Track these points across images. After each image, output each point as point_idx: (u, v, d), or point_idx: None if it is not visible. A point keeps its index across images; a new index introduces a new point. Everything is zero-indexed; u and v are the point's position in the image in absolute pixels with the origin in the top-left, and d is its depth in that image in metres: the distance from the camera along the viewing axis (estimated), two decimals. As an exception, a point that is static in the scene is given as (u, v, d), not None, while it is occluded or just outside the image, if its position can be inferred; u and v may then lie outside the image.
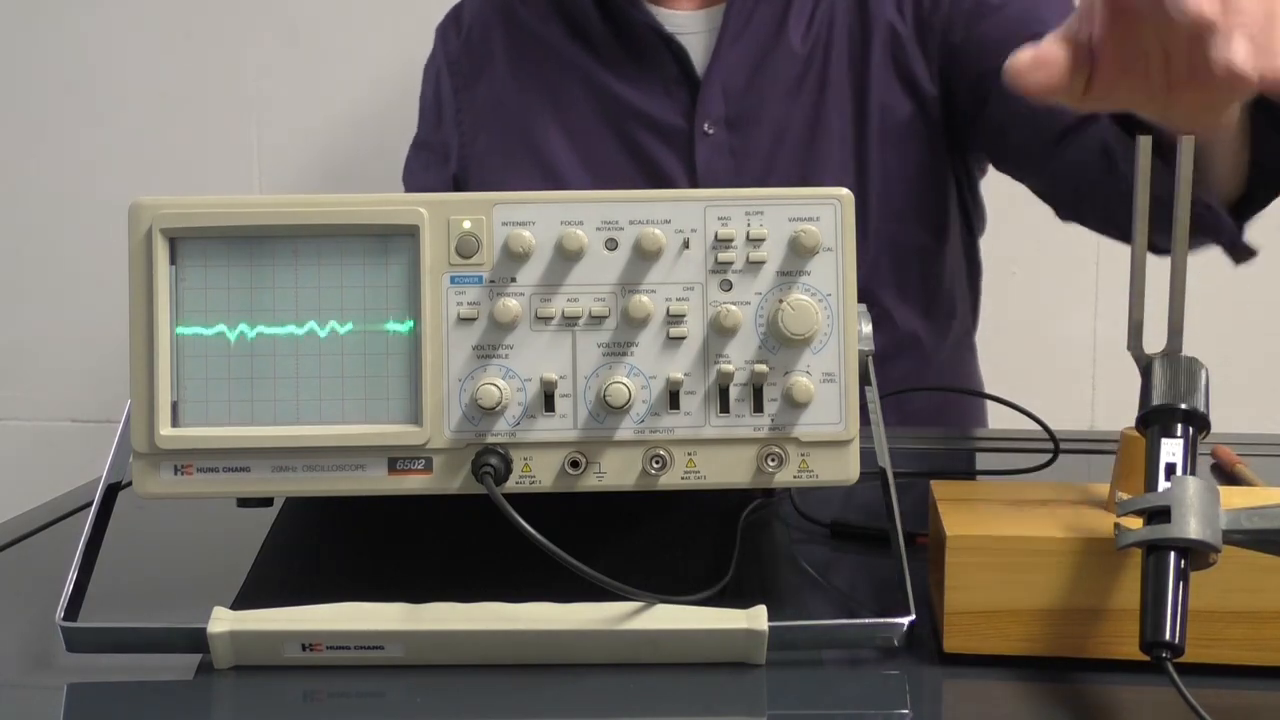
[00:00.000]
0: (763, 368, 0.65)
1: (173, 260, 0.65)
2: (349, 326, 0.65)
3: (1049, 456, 0.98)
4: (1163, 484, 0.59)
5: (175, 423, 0.65)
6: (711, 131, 1.32)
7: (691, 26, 1.34)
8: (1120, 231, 1.25)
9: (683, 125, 1.32)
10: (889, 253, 1.32)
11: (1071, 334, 1.77)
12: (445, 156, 1.45)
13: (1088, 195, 1.22)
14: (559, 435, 0.65)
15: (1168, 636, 0.55)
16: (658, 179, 1.33)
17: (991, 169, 1.40)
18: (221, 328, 0.65)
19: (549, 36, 1.39)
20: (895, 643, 0.63)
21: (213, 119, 1.89)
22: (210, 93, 1.89)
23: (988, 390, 1.43)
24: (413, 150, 1.51)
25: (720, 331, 0.65)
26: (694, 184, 1.31)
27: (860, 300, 0.67)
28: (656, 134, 1.33)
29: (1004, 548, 0.62)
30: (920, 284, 1.35)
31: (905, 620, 0.63)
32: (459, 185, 1.44)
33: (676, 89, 1.33)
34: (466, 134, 1.43)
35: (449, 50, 1.46)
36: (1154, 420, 0.62)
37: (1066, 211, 1.29)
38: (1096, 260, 1.76)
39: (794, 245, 0.65)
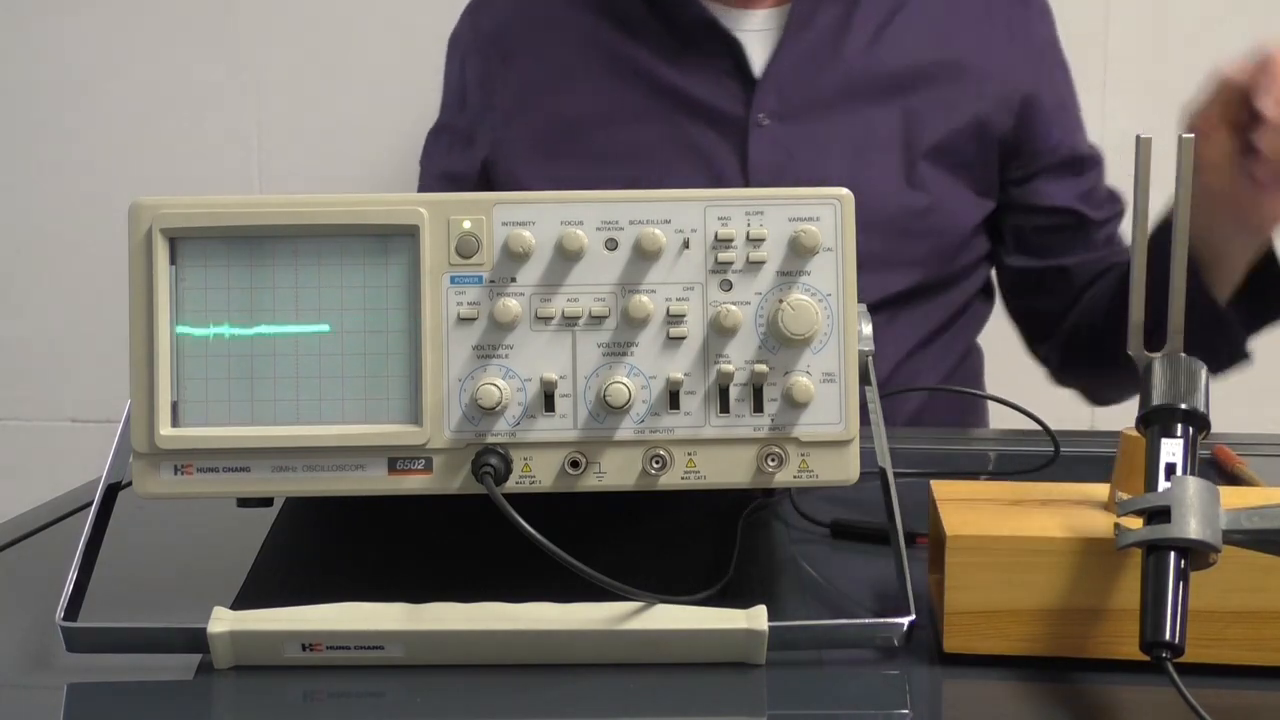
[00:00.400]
0: (763, 368, 0.65)
1: (173, 260, 0.65)
2: (349, 326, 0.65)
3: (1049, 456, 0.98)
4: (1163, 484, 0.59)
5: (175, 423, 0.65)
6: (767, 123, 1.33)
7: (746, 24, 1.35)
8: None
9: (739, 114, 1.33)
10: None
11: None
12: (470, 140, 1.43)
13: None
14: (559, 435, 0.65)
15: (1168, 636, 0.55)
16: (707, 168, 1.33)
17: None
18: (222, 328, 0.65)
19: (589, 25, 1.38)
20: (895, 643, 0.63)
21: (213, 119, 1.89)
22: (210, 93, 1.88)
23: (988, 390, 1.43)
24: (432, 134, 1.49)
25: (720, 331, 0.65)
26: (745, 176, 1.32)
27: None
28: (709, 122, 1.33)
29: (1004, 548, 0.62)
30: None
31: (905, 620, 0.63)
32: (489, 172, 1.41)
33: (729, 80, 1.34)
34: (498, 121, 1.40)
35: (480, 32, 1.44)
36: (1154, 420, 0.62)
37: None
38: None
39: (794, 245, 0.65)
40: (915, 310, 1.36)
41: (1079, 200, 1.40)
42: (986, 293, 1.45)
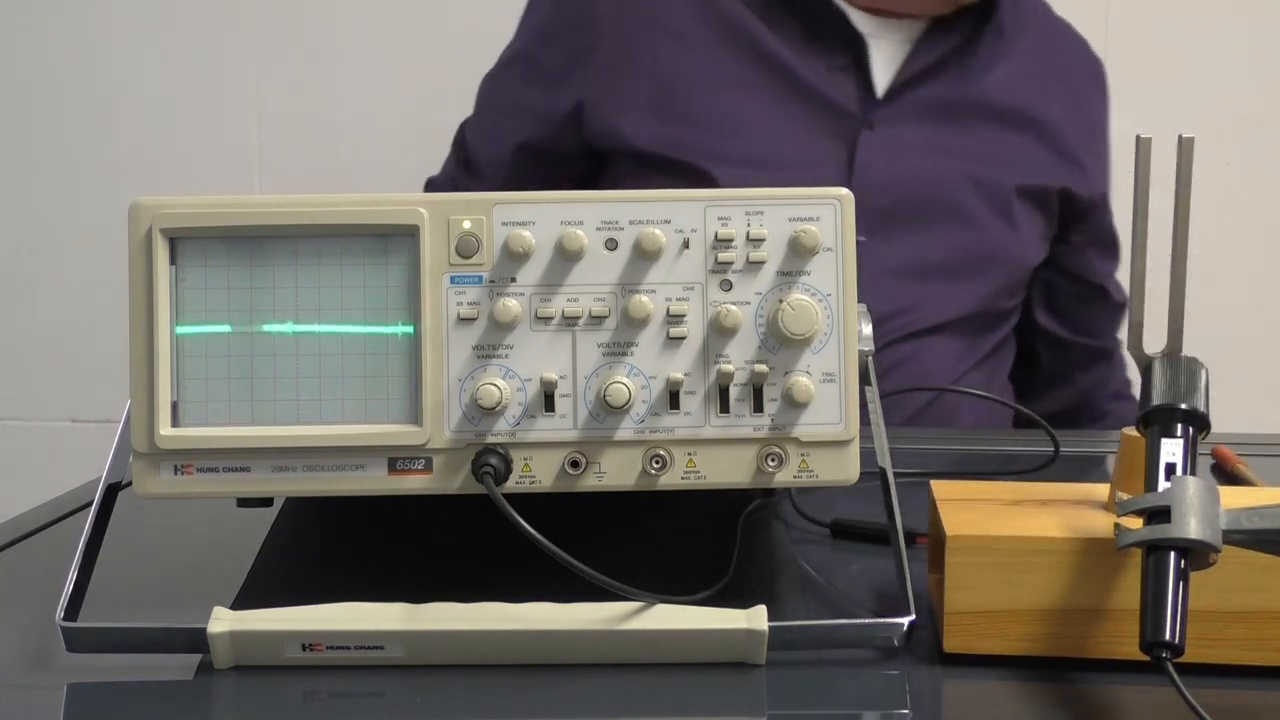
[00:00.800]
0: (763, 368, 0.65)
1: (173, 260, 0.65)
2: (349, 326, 0.65)
3: (1049, 456, 0.98)
4: (1163, 484, 0.59)
5: (175, 423, 0.65)
6: (879, 128, 1.35)
7: (875, 29, 1.38)
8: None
9: (851, 113, 1.36)
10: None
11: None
12: (559, 80, 1.40)
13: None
14: (559, 435, 0.65)
15: (1168, 636, 0.55)
16: (814, 163, 1.35)
17: None
18: (221, 328, 0.65)
19: (727, 3, 1.38)
20: (895, 643, 0.63)
21: (213, 119, 1.89)
22: (210, 93, 1.89)
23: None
24: (504, 64, 1.46)
25: (720, 331, 0.65)
26: (849, 174, 1.34)
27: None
28: (820, 116, 1.35)
29: (1004, 548, 0.62)
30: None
31: (905, 620, 0.63)
32: (580, 119, 1.38)
33: (847, 79, 1.37)
34: (598, 67, 1.38)
35: None
36: (1154, 420, 0.62)
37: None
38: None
39: (794, 245, 0.65)
40: (974, 334, 1.40)
41: (1115, 285, 1.47)
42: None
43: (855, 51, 1.37)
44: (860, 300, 0.67)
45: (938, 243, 1.37)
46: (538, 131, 1.43)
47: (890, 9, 1.38)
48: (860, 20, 1.38)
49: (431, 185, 1.54)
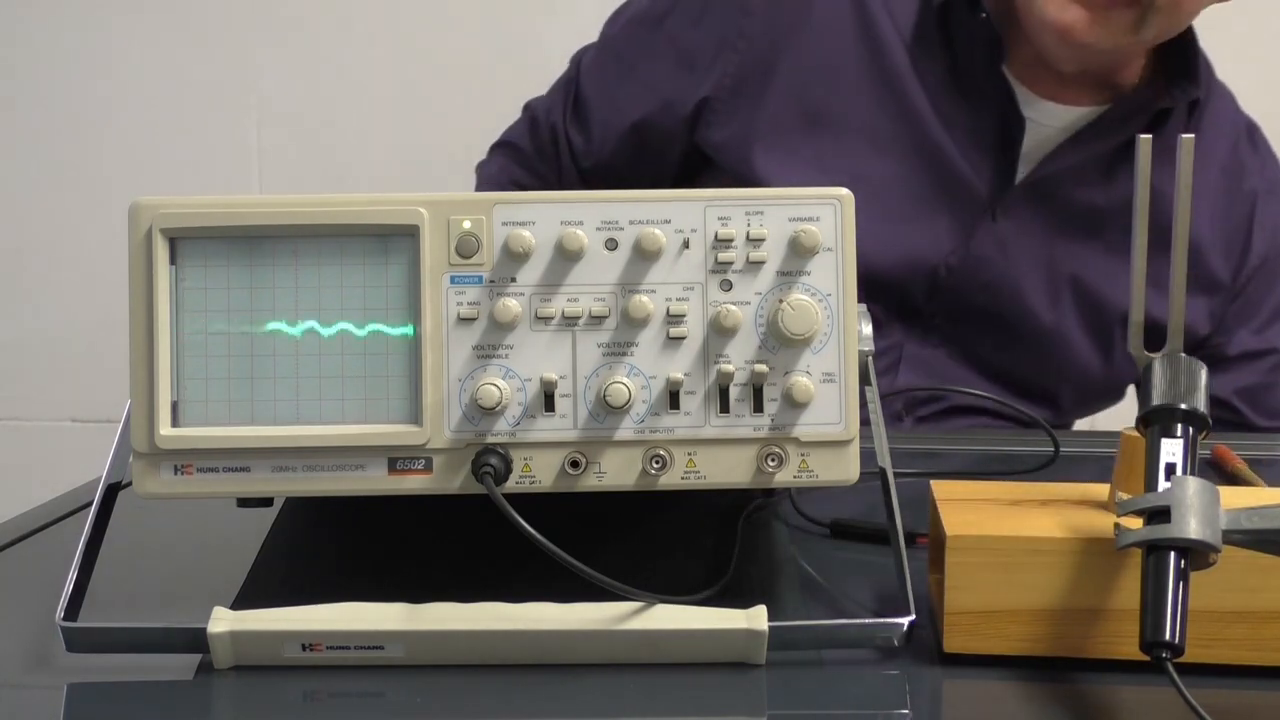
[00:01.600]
0: (763, 368, 0.65)
1: (173, 260, 0.65)
2: (349, 327, 0.65)
3: (1049, 456, 0.98)
4: (1163, 484, 0.59)
5: (175, 423, 0.65)
6: (999, 222, 1.26)
7: (1038, 112, 1.26)
8: None
9: (982, 194, 1.26)
10: None
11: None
12: (693, 68, 1.28)
13: None
14: (559, 435, 0.65)
15: (1168, 636, 0.55)
16: (921, 231, 1.25)
17: None
18: (221, 328, 0.65)
19: (886, 39, 1.26)
20: (895, 643, 0.63)
21: (213, 119, 1.89)
22: (210, 93, 1.89)
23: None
24: (645, 19, 1.32)
25: (720, 331, 0.65)
26: (959, 257, 1.26)
27: None
28: (950, 188, 1.25)
29: (1004, 548, 0.62)
30: None
31: (905, 620, 0.63)
32: (698, 122, 1.27)
33: (985, 158, 1.26)
34: (738, 80, 1.27)
35: None
36: (1154, 420, 0.62)
37: None
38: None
39: (794, 245, 0.65)
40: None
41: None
42: None
43: (1008, 132, 1.25)
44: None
45: (1020, 359, 1.29)
46: (659, 116, 1.31)
47: (1064, 99, 1.25)
48: (1027, 102, 1.24)
49: (529, 110, 1.43)
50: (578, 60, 1.41)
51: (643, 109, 1.33)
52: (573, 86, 1.40)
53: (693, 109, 1.29)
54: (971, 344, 1.29)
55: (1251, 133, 1.37)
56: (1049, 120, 1.26)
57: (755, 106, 1.27)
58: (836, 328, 0.65)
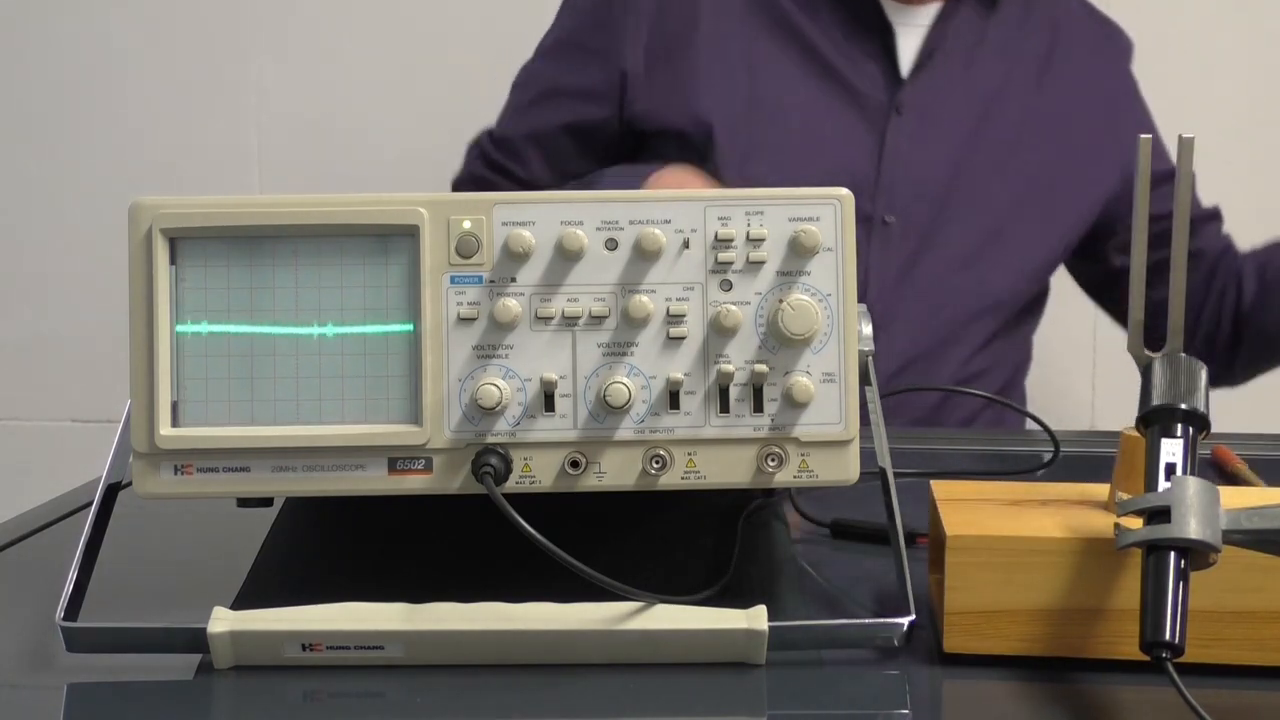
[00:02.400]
0: (763, 368, 0.65)
1: (173, 260, 0.65)
2: (349, 327, 0.65)
3: (1049, 456, 0.98)
4: (1163, 484, 0.59)
5: (175, 423, 0.65)
6: (905, 114, 1.40)
7: (904, 18, 1.42)
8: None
9: (880, 100, 1.40)
10: None
11: (1071, 334, 1.77)
12: (605, 60, 1.43)
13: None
14: (559, 435, 0.65)
15: (1168, 636, 0.55)
16: (843, 147, 1.39)
17: None
18: (221, 328, 0.65)
19: None
20: (895, 643, 0.63)
21: (213, 119, 1.89)
22: (210, 93, 1.89)
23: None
24: (548, 56, 1.49)
25: (720, 331, 0.65)
26: (879, 161, 1.38)
27: None
28: (851, 102, 1.40)
29: (1004, 548, 0.62)
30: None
31: (905, 620, 0.63)
32: (624, 99, 1.42)
33: (874, 66, 1.41)
34: (650, 57, 1.42)
35: None
36: (1154, 420, 0.62)
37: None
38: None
39: (794, 245, 0.65)
40: (993, 319, 1.42)
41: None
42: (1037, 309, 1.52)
43: (884, 40, 1.41)
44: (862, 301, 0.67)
45: (963, 229, 1.41)
46: (584, 112, 1.45)
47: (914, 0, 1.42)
48: (891, 8, 1.42)
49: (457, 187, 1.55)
50: (478, 139, 1.54)
51: (570, 115, 1.46)
52: (487, 148, 1.52)
53: (615, 88, 1.43)
54: (933, 237, 1.39)
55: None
56: (910, 20, 1.43)
57: (670, 71, 1.42)
58: (836, 328, 0.65)
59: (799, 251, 0.65)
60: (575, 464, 0.65)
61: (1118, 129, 1.46)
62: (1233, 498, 0.61)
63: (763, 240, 0.65)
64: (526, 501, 0.62)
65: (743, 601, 0.63)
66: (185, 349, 0.65)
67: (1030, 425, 1.03)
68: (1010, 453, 1.09)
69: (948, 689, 0.63)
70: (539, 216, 0.65)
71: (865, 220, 1.37)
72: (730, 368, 0.65)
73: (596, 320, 0.65)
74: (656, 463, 0.65)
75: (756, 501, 0.85)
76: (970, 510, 0.65)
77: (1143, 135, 0.64)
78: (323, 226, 0.65)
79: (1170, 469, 0.60)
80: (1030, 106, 1.44)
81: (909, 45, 1.43)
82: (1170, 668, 0.54)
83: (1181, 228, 0.64)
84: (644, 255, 0.65)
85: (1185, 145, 0.63)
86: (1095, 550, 0.61)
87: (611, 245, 0.65)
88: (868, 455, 0.68)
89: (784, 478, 0.66)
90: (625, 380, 0.64)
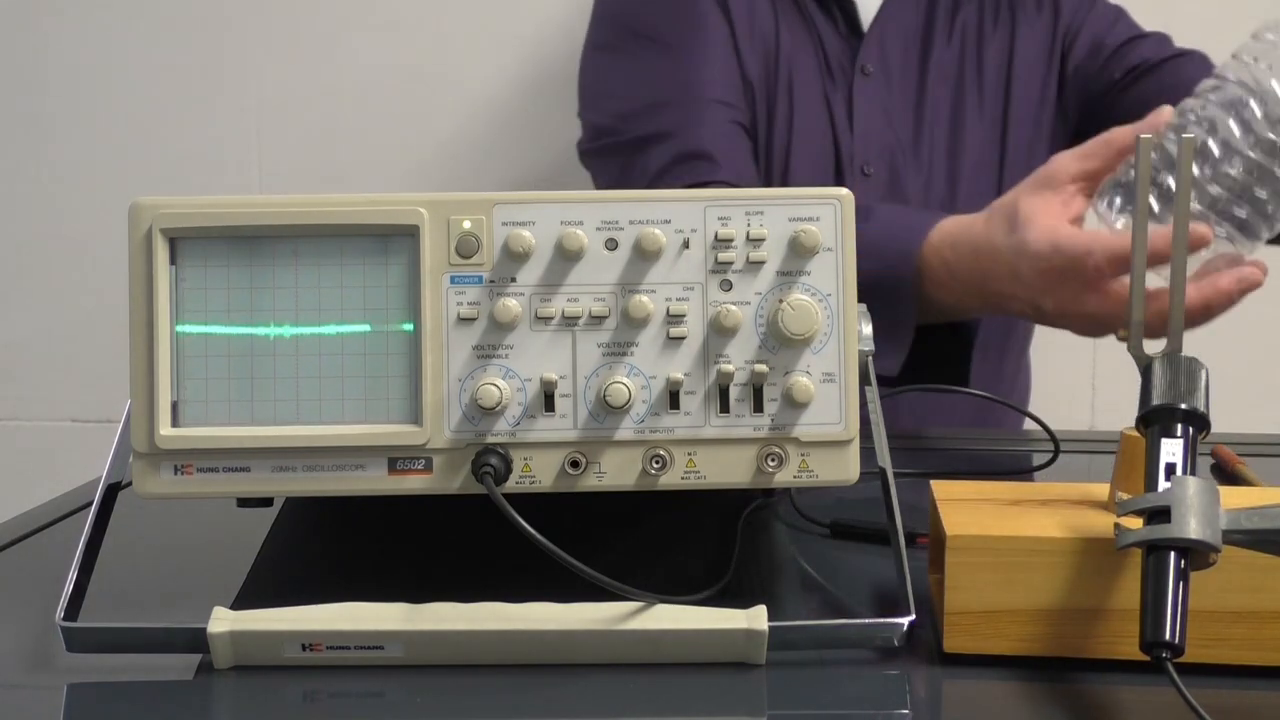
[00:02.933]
0: (763, 368, 0.65)
1: (173, 260, 0.65)
2: (349, 327, 0.65)
3: (1049, 456, 0.98)
4: (1163, 484, 0.59)
5: (175, 423, 0.65)
6: (871, 72, 1.42)
7: None
8: None
9: (846, 64, 1.43)
10: None
11: (1071, 334, 1.77)
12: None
13: None
14: (559, 435, 0.65)
15: (1168, 636, 0.55)
16: (826, 109, 1.41)
17: None
18: (221, 328, 0.65)
19: None
20: (895, 643, 0.63)
21: (213, 119, 1.89)
22: (210, 93, 1.88)
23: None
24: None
25: (720, 331, 0.65)
26: (850, 125, 1.41)
27: None
28: (827, 69, 1.43)
29: (1004, 548, 0.62)
30: None
31: (905, 620, 0.63)
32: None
33: (839, 39, 1.43)
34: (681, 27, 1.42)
35: None
36: (1154, 420, 0.62)
37: None
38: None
39: (794, 245, 0.65)
40: None
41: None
42: None
43: (843, 6, 1.43)
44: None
45: (963, 165, 1.43)
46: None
47: None
48: None
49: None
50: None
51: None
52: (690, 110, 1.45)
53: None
54: (925, 181, 1.42)
55: None
56: None
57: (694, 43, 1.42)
58: (836, 327, 0.65)
59: (799, 251, 0.65)
60: (575, 464, 0.65)
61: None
62: (1233, 498, 0.61)
63: (763, 240, 0.65)
64: (526, 501, 0.62)
65: (743, 601, 0.63)
66: (185, 349, 0.65)
67: (1030, 425, 1.02)
68: (1010, 453, 1.09)
69: (948, 689, 0.63)
70: (539, 216, 0.65)
71: (860, 178, 1.41)
72: (730, 368, 0.65)
73: (596, 320, 0.65)
74: (656, 463, 0.65)
75: (756, 501, 0.85)
76: (970, 510, 0.65)
77: (1142, 135, 0.64)
78: (323, 226, 0.65)
79: (1170, 469, 0.60)
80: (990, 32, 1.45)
81: (868, 7, 1.45)
82: (1170, 668, 0.54)
83: (1182, 227, 0.64)
84: (644, 255, 0.65)
85: (1185, 145, 0.63)
86: (1095, 550, 0.61)
87: (611, 245, 0.65)
88: (868, 455, 0.68)
89: (784, 478, 0.66)
90: (625, 380, 0.64)
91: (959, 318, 1.18)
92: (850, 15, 1.44)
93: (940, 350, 1.20)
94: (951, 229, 1.12)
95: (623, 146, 1.39)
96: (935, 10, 1.46)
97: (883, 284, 1.06)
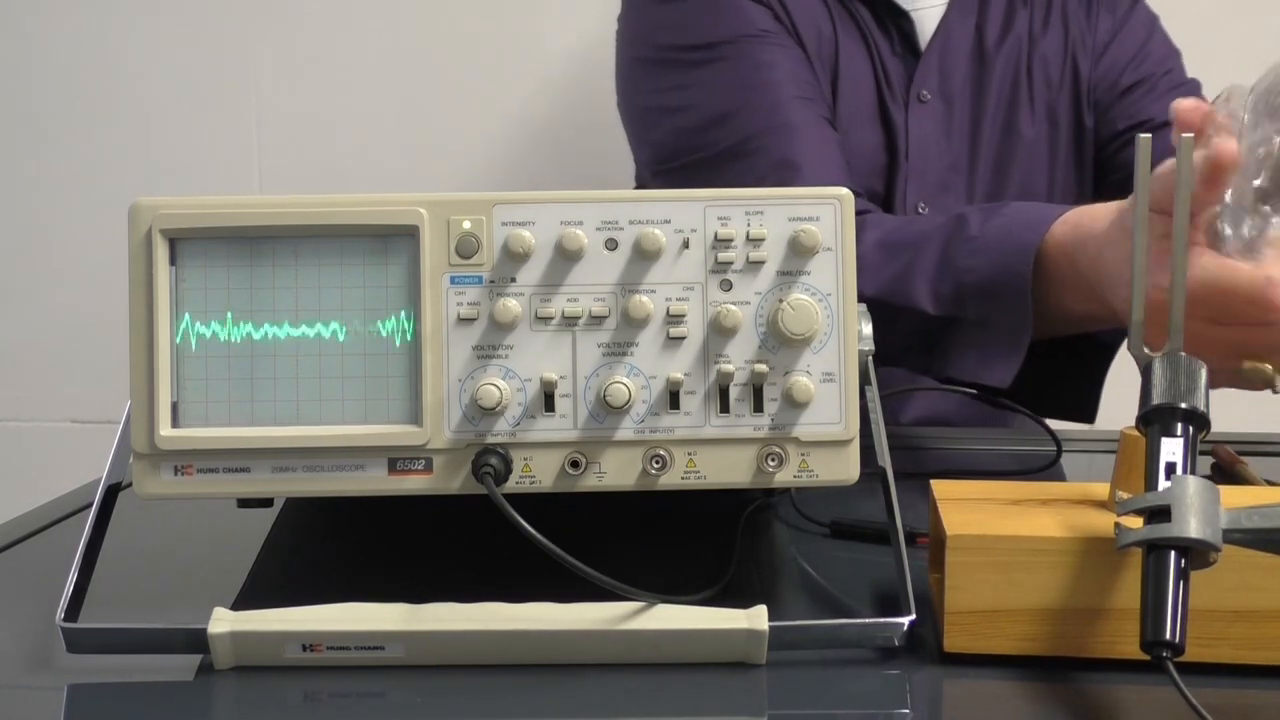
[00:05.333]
0: (763, 368, 0.65)
1: (173, 260, 0.65)
2: (349, 327, 0.65)
3: (1049, 456, 0.98)
4: (1163, 484, 0.59)
5: (175, 423, 0.65)
6: (928, 99, 1.39)
7: (919, 2, 1.40)
8: None
9: (903, 88, 1.39)
10: None
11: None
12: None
13: None
14: (559, 435, 0.65)
15: (1168, 636, 0.55)
16: (885, 133, 1.38)
17: None
18: (222, 328, 0.65)
19: None
20: (895, 643, 0.63)
21: (213, 119, 1.89)
22: (210, 93, 1.89)
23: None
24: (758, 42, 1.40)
25: (720, 331, 0.65)
26: (907, 148, 1.37)
27: None
28: (886, 93, 1.39)
29: (1004, 548, 0.62)
30: None
31: (905, 620, 0.63)
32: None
33: (895, 59, 1.40)
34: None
35: None
36: (1154, 420, 0.62)
37: None
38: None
39: (794, 245, 0.65)
40: None
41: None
42: None
43: (902, 28, 1.40)
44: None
45: (1007, 180, 1.41)
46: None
47: None
48: None
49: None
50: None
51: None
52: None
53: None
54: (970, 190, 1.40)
55: None
56: (923, 4, 1.41)
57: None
58: (836, 327, 0.65)
59: (799, 251, 0.65)
60: (575, 464, 0.65)
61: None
62: (1233, 497, 0.61)
63: (762, 240, 0.65)
64: (526, 501, 0.62)
65: (743, 601, 0.63)
66: (185, 349, 0.65)
67: (1030, 425, 1.02)
68: (1010, 453, 1.09)
69: (948, 689, 0.63)
70: (539, 216, 0.65)
71: (901, 207, 1.39)
72: (730, 367, 0.65)
73: (596, 320, 0.65)
74: (656, 463, 0.65)
75: (756, 501, 0.85)
76: (970, 510, 0.65)
77: (1141, 135, 0.64)
78: (323, 226, 0.65)
79: (1170, 468, 0.60)
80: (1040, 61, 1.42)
81: (925, 30, 1.41)
82: (1170, 667, 0.54)
83: (1181, 228, 0.64)
84: (644, 255, 0.65)
85: (1185, 145, 0.63)
86: (1095, 550, 0.61)
87: (611, 245, 0.65)
88: (868, 455, 0.68)
89: (784, 478, 0.66)
90: (625, 380, 0.64)
91: (1088, 327, 1.07)
92: (908, 35, 1.39)
93: (1065, 372, 1.13)
94: (1077, 219, 1.01)
95: (706, 162, 1.33)
96: (986, 23, 1.41)
97: (995, 283, 1.02)
